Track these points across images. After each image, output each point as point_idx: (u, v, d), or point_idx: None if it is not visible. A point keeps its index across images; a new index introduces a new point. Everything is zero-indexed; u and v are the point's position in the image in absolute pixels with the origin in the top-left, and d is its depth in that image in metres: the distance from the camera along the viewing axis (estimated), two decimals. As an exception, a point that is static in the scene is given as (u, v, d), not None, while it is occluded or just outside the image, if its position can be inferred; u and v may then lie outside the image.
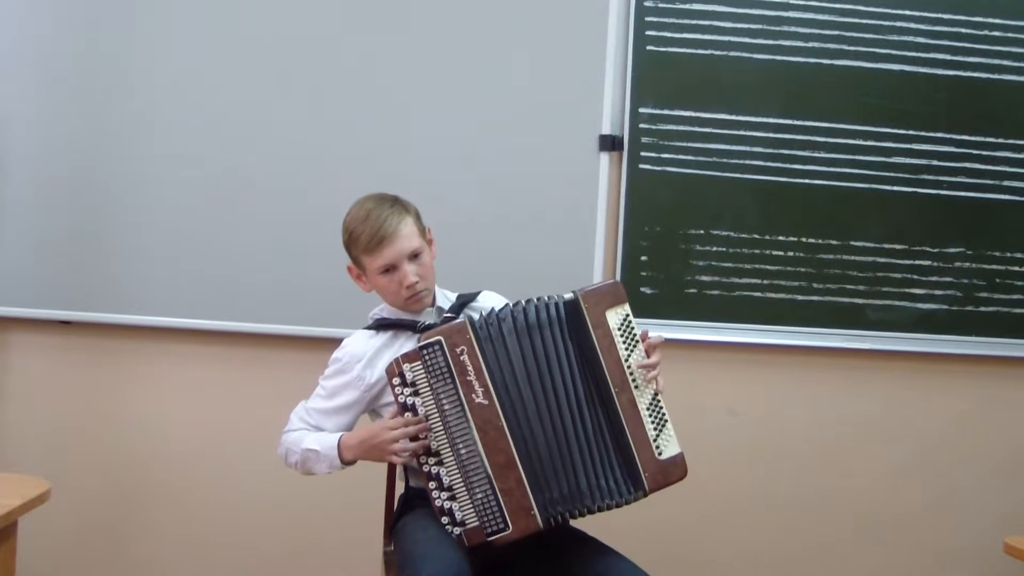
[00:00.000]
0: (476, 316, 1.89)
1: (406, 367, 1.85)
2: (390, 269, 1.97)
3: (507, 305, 1.91)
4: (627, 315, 1.90)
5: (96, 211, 2.63)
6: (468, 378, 1.82)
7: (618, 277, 2.78)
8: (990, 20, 2.88)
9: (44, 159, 2.62)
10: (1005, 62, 2.89)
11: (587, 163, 2.75)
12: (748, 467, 2.88)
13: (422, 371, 1.84)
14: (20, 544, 1.80)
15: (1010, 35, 2.89)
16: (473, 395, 1.82)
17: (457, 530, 1.82)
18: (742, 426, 2.86)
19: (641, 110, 2.78)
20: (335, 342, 2.10)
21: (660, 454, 1.86)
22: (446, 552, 1.78)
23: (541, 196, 2.71)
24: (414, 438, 1.84)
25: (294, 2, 2.67)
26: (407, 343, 2.01)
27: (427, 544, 1.82)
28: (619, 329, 1.88)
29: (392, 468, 2.18)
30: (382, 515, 2.15)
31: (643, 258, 2.79)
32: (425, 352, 1.83)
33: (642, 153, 2.79)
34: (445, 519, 1.83)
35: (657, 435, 1.87)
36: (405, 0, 2.70)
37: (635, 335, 1.90)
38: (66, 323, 2.66)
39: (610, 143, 2.77)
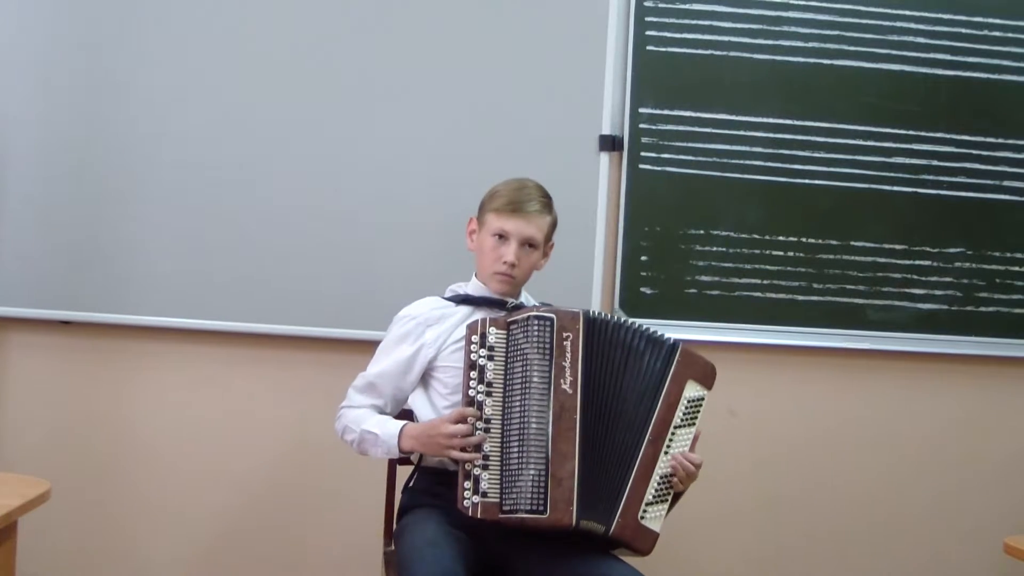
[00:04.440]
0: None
1: (491, 330, 1.89)
2: (503, 236, 2.02)
3: (616, 316, 1.94)
4: (702, 398, 1.93)
5: (96, 211, 2.63)
6: (563, 363, 1.85)
7: (618, 277, 2.78)
8: (990, 20, 2.88)
9: (44, 159, 2.62)
10: (1005, 62, 2.89)
11: (587, 163, 2.75)
12: (748, 467, 2.87)
13: (504, 340, 1.87)
14: (20, 544, 1.80)
15: (1010, 35, 2.89)
16: (562, 380, 1.84)
17: (476, 498, 1.82)
18: (742, 426, 2.86)
19: (641, 110, 2.78)
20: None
21: (642, 518, 1.86)
22: (441, 555, 1.78)
23: (541, 196, 2.71)
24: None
25: (295, 3, 2.67)
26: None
27: (423, 547, 1.82)
28: (688, 402, 1.91)
29: (392, 468, 2.19)
30: (382, 515, 2.15)
31: (643, 258, 2.79)
32: (535, 322, 1.86)
33: (642, 153, 2.79)
34: (467, 484, 1.83)
35: (652, 502, 1.87)
36: (405, 1, 2.70)
37: (696, 420, 1.92)
38: (66, 323, 2.66)
39: (610, 143, 2.77)
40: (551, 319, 1.86)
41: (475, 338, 1.89)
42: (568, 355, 1.85)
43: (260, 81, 2.66)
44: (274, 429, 2.73)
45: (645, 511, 1.86)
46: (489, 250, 2.04)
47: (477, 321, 1.91)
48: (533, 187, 2.08)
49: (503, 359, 1.88)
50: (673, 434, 1.90)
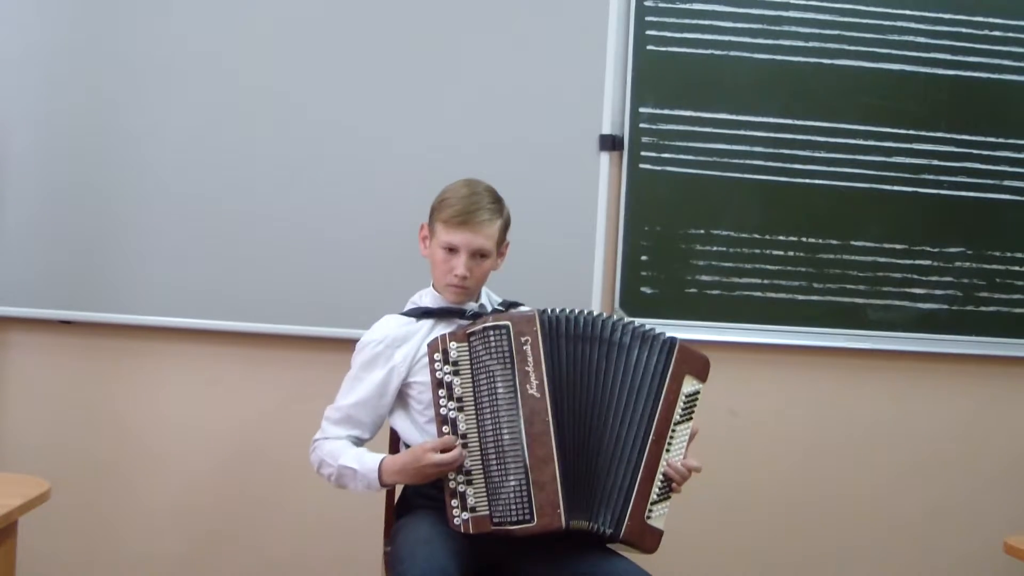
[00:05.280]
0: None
1: (452, 345, 1.87)
2: (453, 249, 1.98)
3: (578, 311, 1.92)
4: (699, 392, 1.93)
5: (96, 211, 2.63)
6: (526, 368, 1.84)
7: (618, 277, 2.78)
8: (990, 20, 2.88)
9: (44, 160, 2.62)
10: (1005, 62, 2.89)
11: (587, 163, 2.75)
12: (748, 467, 2.87)
13: (467, 352, 1.86)
14: (20, 544, 1.80)
15: (1010, 35, 2.89)
16: (528, 385, 1.84)
17: (465, 515, 1.82)
18: (742, 426, 2.86)
19: (641, 110, 2.78)
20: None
21: (648, 517, 1.87)
22: (433, 552, 1.77)
23: (541, 196, 2.71)
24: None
25: (294, 4, 2.67)
26: (448, 330, 1.99)
27: (416, 544, 1.81)
28: (687, 397, 1.91)
29: (392, 468, 2.18)
30: (382, 515, 2.15)
31: (643, 258, 2.79)
32: (491, 333, 1.85)
33: (642, 153, 2.79)
34: (455, 502, 1.83)
35: (656, 501, 1.88)
36: (405, 1, 2.70)
37: (693, 414, 1.92)
38: (66, 323, 2.66)
39: (610, 143, 2.77)
40: (506, 326, 1.85)
41: (437, 356, 1.87)
42: (530, 359, 1.84)
43: (261, 82, 2.66)
44: (274, 428, 2.72)
45: (651, 510, 1.87)
46: (440, 262, 2.00)
47: (436, 339, 1.89)
48: (483, 192, 2.02)
49: (469, 372, 1.86)
50: (673, 431, 1.89)
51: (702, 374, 1.94)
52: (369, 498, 2.20)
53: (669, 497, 1.90)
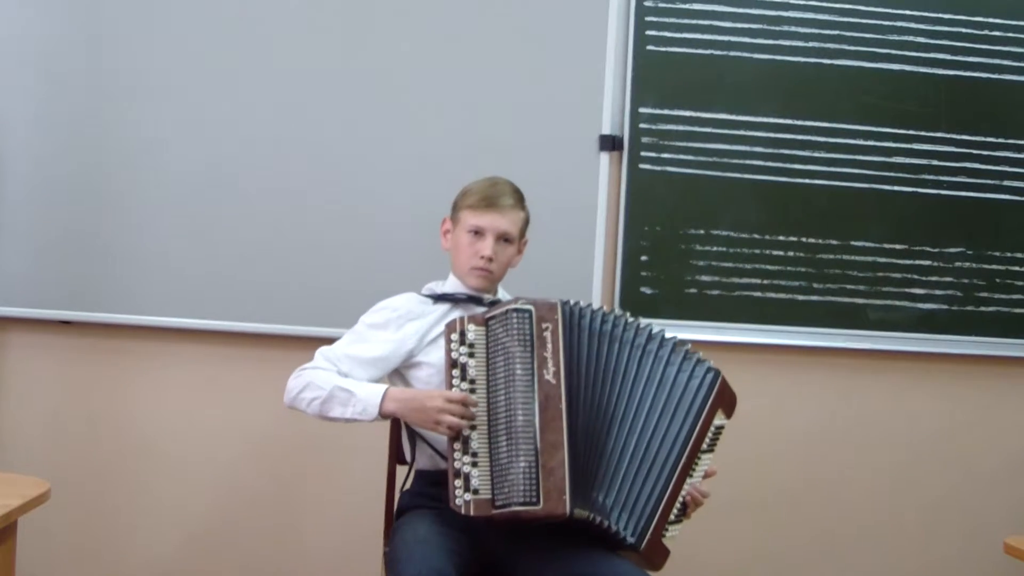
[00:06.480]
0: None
1: (470, 327, 1.88)
2: (478, 232, 2.03)
3: (605, 310, 1.94)
4: (723, 427, 1.96)
5: (96, 211, 2.63)
6: (545, 354, 1.85)
7: (618, 277, 2.78)
8: (990, 20, 2.88)
9: (44, 159, 2.62)
10: (1005, 62, 2.89)
11: (587, 163, 2.75)
12: (747, 467, 2.87)
13: (484, 336, 1.87)
14: (20, 544, 1.80)
15: (1010, 35, 2.89)
16: (544, 370, 1.84)
17: (468, 496, 1.81)
18: (742, 426, 2.85)
19: (641, 110, 2.78)
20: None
21: (664, 535, 1.89)
22: (430, 552, 1.77)
23: (541, 196, 2.68)
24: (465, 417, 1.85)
25: (295, 3, 2.68)
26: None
27: (413, 545, 1.82)
28: (715, 429, 1.94)
29: (392, 468, 2.18)
30: (382, 515, 2.15)
31: (643, 258, 2.79)
32: (513, 315, 1.86)
33: (642, 153, 2.79)
34: (458, 483, 1.82)
35: (673, 521, 1.90)
36: (405, 1, 2.70)
37: (715, 447, 1.95)
38: (66, 323, 2.66)
39: (610, 143, 2.77)
40: (529, 311, 1.87)
41: (454, 336, 1.88)
42: (549, 345, 1.85)
43: (261, 81, 2.66)
44: (274, 429, 2.72)
45: (667, 530, 1.89)
46: (465, 246, 2.04)
47: (455, 320, 1.90)
48: (504, 183, 2.10)
49: (484, 355, 1.87)
50: (699, 459, 1.92)
51: (729, 410, 1.98)
52: (369, 498, 2.21)
53: (682, 521, 1.92)
